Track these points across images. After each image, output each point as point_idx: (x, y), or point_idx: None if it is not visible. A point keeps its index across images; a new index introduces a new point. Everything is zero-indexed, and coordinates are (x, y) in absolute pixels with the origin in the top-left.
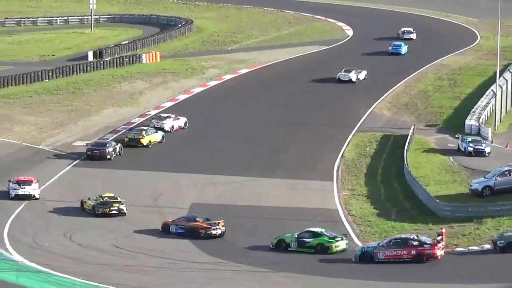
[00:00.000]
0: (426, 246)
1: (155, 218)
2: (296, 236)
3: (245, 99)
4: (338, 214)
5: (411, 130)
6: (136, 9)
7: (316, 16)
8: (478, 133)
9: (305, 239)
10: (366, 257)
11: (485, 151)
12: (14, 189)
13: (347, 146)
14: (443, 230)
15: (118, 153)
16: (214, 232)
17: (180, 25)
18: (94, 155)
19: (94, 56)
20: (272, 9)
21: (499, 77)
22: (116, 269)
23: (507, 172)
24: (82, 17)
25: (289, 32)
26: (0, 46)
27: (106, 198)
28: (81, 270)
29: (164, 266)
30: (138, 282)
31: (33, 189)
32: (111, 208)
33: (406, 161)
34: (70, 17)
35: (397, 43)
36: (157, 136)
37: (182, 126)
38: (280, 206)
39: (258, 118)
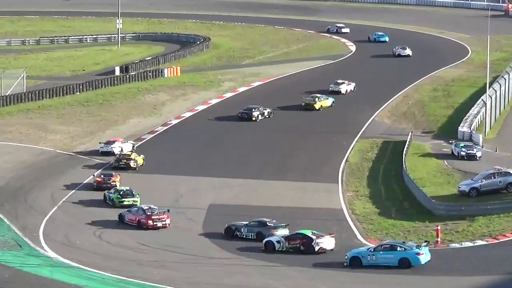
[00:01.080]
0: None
1: (176, 218)
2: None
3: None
4: (343, 214)
5: (409, 137)
6: (159, 28)
7: (322, 34)
8: (470, 139)
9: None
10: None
11: (476, 155)
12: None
13: (351, 151)
14: (439, 227)
15: (268, 116)
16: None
17: (198, 42)
18: (243, 117)
19: (121, 71)
20: (282, 27)
21: (489, 88)
22: (141, 264)
23: (492, 175)
24: (109, 36)
25: (297, 48)
26: (36, 62)
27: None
28: (109, 265)
29: (185, 262)
30: (161, 276)
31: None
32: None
33: (405, 164)
34: (99, 36)
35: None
36: (328, 102)
37: (352, 90)
38: (290, 206)
39: (269, 126)
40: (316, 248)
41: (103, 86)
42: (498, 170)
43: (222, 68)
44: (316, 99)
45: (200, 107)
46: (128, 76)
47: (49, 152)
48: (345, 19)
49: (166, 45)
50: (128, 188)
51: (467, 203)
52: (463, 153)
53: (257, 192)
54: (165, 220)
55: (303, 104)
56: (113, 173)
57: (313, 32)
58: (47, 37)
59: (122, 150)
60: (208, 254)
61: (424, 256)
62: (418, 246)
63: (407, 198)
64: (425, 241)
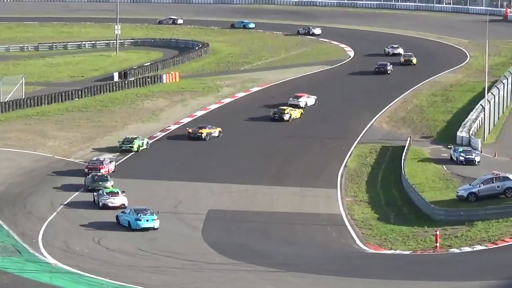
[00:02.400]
0: None
1: (175, 223)
2: None
3: (256, 114)
4: (342, 219)
5: (408, 142)
6: (157, 33)
7: (321, 39)
8: (469, 144)
9: None
10: None
11: (475, 160)
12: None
13: (349, 156)
14: (438, 233)
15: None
16: None
17: (197, 48)
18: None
19: (119, 76)
20: (281, 32)
21: (487, 93)
22: (140, 270)
23: (490, 180)
24: (108, 42)
25: (296, 54)
26: (34, 68)
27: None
28: (108, 271)
29: (185, 267)
30: (161, 281)
31: None
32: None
33: (403, 170)
34: (97, 42)
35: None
36: (296, 113)
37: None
38: (289, 212)
39: (268, 132)
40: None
41: (102, 92)
42: (496, 175)
43: (221, 73)
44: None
45: (199, 113)
46: (126, 82)
47: (48, 158)
48: (344, 24)
49: (165, 51)
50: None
51: (466, 208)
52: (461, 158)
53: (256, 197)
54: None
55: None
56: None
57: (312, 37)
58: (46, 43)
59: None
60: (207, 260)
61: None
62: None
63: (406, 203)
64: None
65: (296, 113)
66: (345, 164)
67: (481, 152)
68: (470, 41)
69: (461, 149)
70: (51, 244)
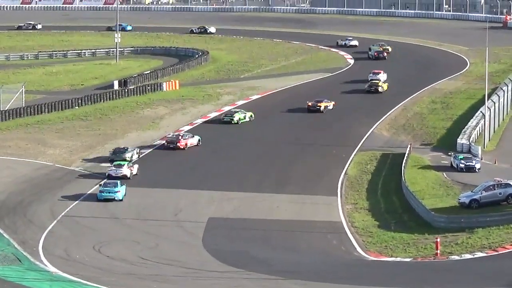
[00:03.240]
0: None
1: (176, 231)
2: None
3: (256, 123)
4: (342, 226)
5: (408, 149)
6: (157, 42)
7: (321, 47)
8: (469, 151)
9: None
10: None
11: (475, 167)
12: None
13: (350, 164)
14: (438, 240)
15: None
16: None
17: (197, 56)
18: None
19: (119, 85)
20: (281, 40)
21: (488, 100)
22: (141, 278)
23: (491, 187)
24: (108, 50)
25: (296, 61)
26: (34, 77)
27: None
28: (109, 279)
29: (185, 275)
30: None
31: None
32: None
33: (404, 177)
34: (97, 50)
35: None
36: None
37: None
38: (289, 219)
39: (268, 140)
40: None
41: (102, 100)
42: (498, 181)
43: (221, 81)
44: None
45: (199, 121)
46: (126, 90)
47: (48, 166)
48: (344, 32)
49: (165, 59)
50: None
51: (466, 215)
52: (462, 165)
53: (256, 205)
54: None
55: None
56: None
57: (312, 45)
58: (45, 52)
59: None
60: (208, 268)
61: None
62: None
63: (407, 211)
64: None
65: (385, 86)
66: (346, 171)
67: (482, 159)
68: (470, 48)
69: (461, 156)
70: (51, 252)
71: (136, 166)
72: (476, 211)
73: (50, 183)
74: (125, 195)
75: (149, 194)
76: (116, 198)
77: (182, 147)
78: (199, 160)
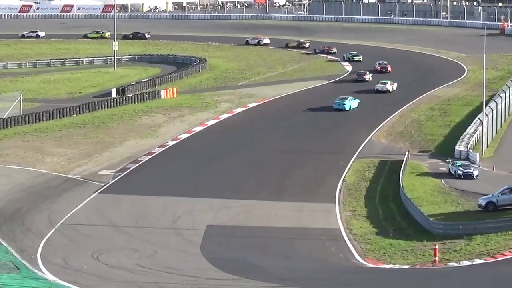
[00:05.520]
0: None
1: (174, 239)
2: None
3: (254, 130)
4: (340, 233)
5: (406, 156)
6: (155, 49)
7: (318, 54)
8: (467, 158)
9: None
10: None
11: (473, 174)
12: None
13: (348, 171)
14: (436, 247)
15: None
16: None
17: (194, 63)
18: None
19: (117, 92)
20: (278, 47)
21: (485, 107)
22: (139, 286)
23: (507, 191)
24: (106, 58)
25: (293, 69)
26: (32, 85)
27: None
28: (107, 287)
29: (184, 283)
30: None
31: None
32: None
33: (402, 184)
34: (95, 58)
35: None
36: None
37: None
38: (287, 227)
39: (266, 147)
40: None
41: (100, 108)
42: None
43: (219, 89)
44: None
45: (197, 128)
46: (124, 98)
47: (46, 174)
48: (341, 39)
49: (162, 67)
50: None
51: (464, 222)
52: (460, 172)
53: (254, 212)
54: None
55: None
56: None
57: (309, 52)
58: (43, 60)
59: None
60: (206, 275)
61: None
62: None
63: (405, 218)
64: None
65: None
66: (343, 178)
67: (480, 166)
68: (467, 55)
69: (459, 163)
70: (49, 260)
71: (395, 84)
72: (474, 218)
73: (48, 191)
74: (356, 107)
75: (147, 201)
76: (344, 108)
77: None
78: (196, 167)
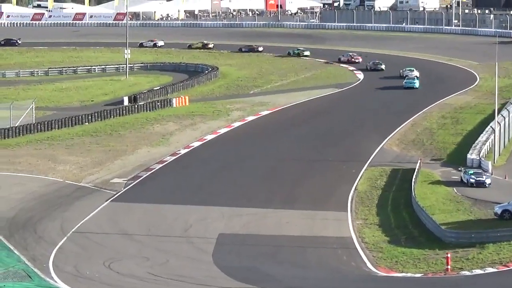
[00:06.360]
0: None
1: (186, 247)
2: None
3: (266, 138)
4: (352, 242)
5: (418, 164)
6: (167, 57)
7: (330, 62)
8: (479, 166)
9: None
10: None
11: (485, 183)
12: None
13: (359, 179)
14: (449, 255)
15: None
16: None
17: (206, 71)
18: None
19: (129, 101)
20: (278, 56)
21: (497, 115)
22: None
23: None
24: (118, 66)
25: (305, 77)
26: (45, 93)
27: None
28: None
29: None
30: None
31: None
32: None
33: (414, 192)
34: (107, 66)
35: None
36: None
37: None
38: (299, 235)
39: (278, 155)
40: None
41: (112, 117)
42: None
43: (230, 97)
44: None
45: (209, 136)
46: (136, 106)
47: (58, 182)
48: (352, 47)
49: (174, 75)
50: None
51: (476, 231)
52: (472, 181)
53: (266, 221)
54: None
55: None
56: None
57: (321, 60)
58: (55, 68)
59: None
60: (218, 284)
61: None
62: None
63: (417, 226)
64: None
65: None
66: (355, 187)
67: (492, 174)
68: (479, 63)
69: (471, 172)
70: (61, 269)
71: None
72: (486, 226)
73: (60, 199)
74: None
75: (159, 210)
76: (414, 86)
77: None
78: (208, 175)
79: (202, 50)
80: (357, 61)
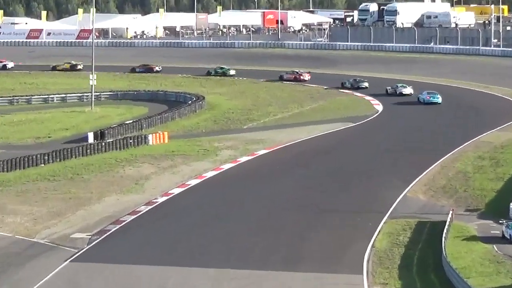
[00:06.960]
0: None
1: None
2: None
3: (263, 183)
4: None
5: (450, 216)
6: (142, 84)
7: (341, 90)
8: None
9: None
10: None
11: None
12: None
13: (378, 234)
14: None
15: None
16: None
17: (190, 101)
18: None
19: (95, 137)
20: (292, 82)
21: None
22: None
23: None
24: (81, 94)
25: (311, 108)
26: None
27: None
28: None
29: None
30: None
31: None
32: None
33: (445, 250)
34: (68, 95)
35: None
36: None
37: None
38: None
39: (277, 203)
40: None
41: (74, 157)
42: None
43: (219, 133)
44: None
45: (193, 181)
46: (104, 144)
47: (7, 238)
48: (368, 72)
49: (151, 106)
50: None
51: None
52: None
53: (262, 286)
54: None
55: None
56: None
57: (330, 87)
58: (5, 97)
59: None
60: None
61: None
62: None
63: None
64: None
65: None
66: (373, 244)
67: None
68: None
69: None
70: None
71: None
72: None
73: (9, 259)
74: None
75: (130, 272)
76: (438, 102)
77: None
78: (191, 229)
79: (69, 71)
80: (306, 78)
